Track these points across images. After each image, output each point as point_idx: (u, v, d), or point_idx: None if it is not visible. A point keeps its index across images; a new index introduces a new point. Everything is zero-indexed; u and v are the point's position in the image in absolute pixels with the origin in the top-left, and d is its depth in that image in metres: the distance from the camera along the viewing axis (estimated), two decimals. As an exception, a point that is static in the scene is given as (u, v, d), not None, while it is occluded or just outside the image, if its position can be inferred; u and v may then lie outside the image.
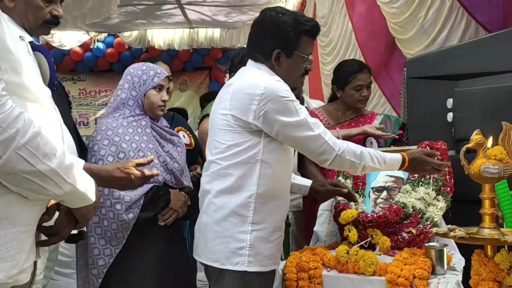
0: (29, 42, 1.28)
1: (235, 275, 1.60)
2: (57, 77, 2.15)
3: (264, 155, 1.62)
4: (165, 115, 2.13)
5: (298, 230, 2.83)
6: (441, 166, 1.73)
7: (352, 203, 2.03)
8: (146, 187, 1.87)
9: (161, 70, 2.04)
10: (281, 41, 1.65)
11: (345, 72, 2.48)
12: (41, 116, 1.10)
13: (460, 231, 1.33)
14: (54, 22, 1.51)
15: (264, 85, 1.58)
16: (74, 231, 1.36)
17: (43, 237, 1.17)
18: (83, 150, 1.91)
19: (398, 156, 1.72)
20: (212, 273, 1.66)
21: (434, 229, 1.54)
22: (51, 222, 1.16)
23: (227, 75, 2.47)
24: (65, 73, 8.07)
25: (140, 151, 1.88)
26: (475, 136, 1.32)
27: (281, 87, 1.60)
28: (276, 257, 1.71)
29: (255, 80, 1.61)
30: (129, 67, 2.07)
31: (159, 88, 2.00)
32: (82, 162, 1.28)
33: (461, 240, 1.32)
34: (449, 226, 1.43)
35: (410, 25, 2.96)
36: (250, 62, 1.73)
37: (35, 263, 1.13)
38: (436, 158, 1.75)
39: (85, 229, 1.80)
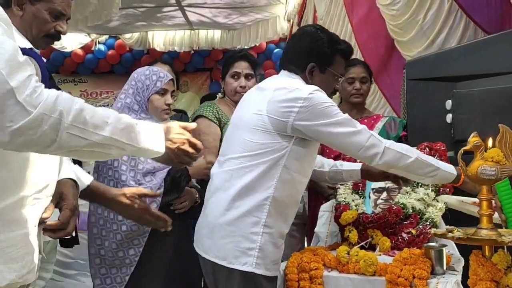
0: (22, 48, 1.31)
1: (245, 276, 1.61)
2: (54, 81, 2.18)
3: (288, 161, 1.64)
4: (173, 116, 2.18)
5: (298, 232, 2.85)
6: None
7: (352, 203, 2.05)
8: (164, 172, 1.91)
9: (164, 74, 2.05)
10: (317, 56, 1.73)
11: None
12: None
13: (458, 232, 1.35)
14: (55, 37, 1.52)
15: (309, 91, 1.63)
16: (69, 236, 1.41)
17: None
18: None
19: (452, 166, 1.67)
20: (219, 272, 1.66)
21: (433, 230, 1.56)
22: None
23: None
24: (67, 75, 8.10)
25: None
26: (473, 139, 1.34)
27: (323, 94, 1.66)
28: (280, 263, 1.74)
29: (298, 86, 1.66)
30: (134, 72, 2.09)
31: (163, 92, 2.02)
32: (90, 178, 1.36)
33: (459, 241, 1.35)
34: (448, 227, 1.45)
35: (410, 27, 2.97)
36: (283, 72, 1.79)
37: None
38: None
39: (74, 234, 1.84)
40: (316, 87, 1.67)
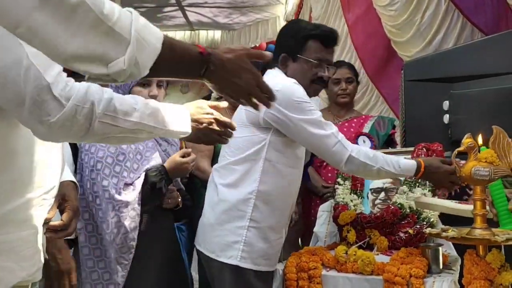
0: None
1: (235, 271, 1.66)
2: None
3: (269, 153, 1.67)
4: None
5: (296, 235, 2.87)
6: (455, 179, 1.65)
7: (351, 203, 2.07)
8: (138, 185, 1.73)
9: None
10: (286, 46, 1.75)
11: None
12: None
13: (452, 232, 1.38)
14: None
15: (281, 84, 1.64)
16: (72, 237, 1.44)
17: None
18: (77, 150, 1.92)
19: (413, 162, 1.70)
20: (212, 266, 1.71)
21: (428, 230, 1.58)
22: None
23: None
24: (68, 76, 8.12)
25: (138, 154, 1.78)
26: (466, 140, 1.36)
27: (297, 89, 1.66)
28: (273, 259, 1.75)
29: (273, 80, 1.64)
30: None
31: (145, 83, 1.76)
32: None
33: (453, 240, 1.37)
34: (442, 226, 1.47)
35: (407, 28, 3.00)
36: (268, 71, 1.81)
37: None
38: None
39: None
40: (292, 81, 1.68)
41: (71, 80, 0.99)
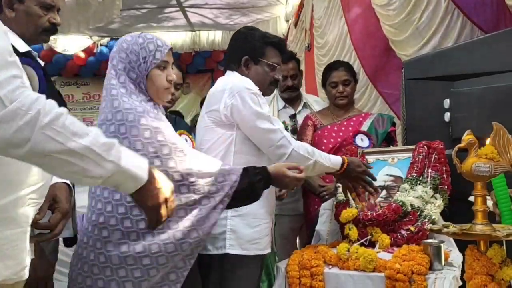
0: (22, 53, 1.33)
1: (226, 259, 1.72)
2: (54, 86, 2.18)
3: (237, 146, 1.79)
4: (167, 118, 1.71)
5: (293, 233, 2.89)
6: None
7: (352, 202, 2.08)
8: (234, 177, 1.50)
9: (162, 42, 1.59)
10: (249, 49, 1.90)
11: (324, 72, 2.72)
12: None
13: (453, 228, 1.38)
14: (52, 29, 1.56)
15: (232, 81, 1.82)
16: (70, 235, 1.43)
17: None
18: None
19: (340, 158, 1.89)
20: (204, 263, 1.74)
21: (429, 226, 1.59)
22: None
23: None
24: (69, 78, 8.16)
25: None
26: (467, 137, 1.37)
27: (248, 82, 1.82)
28: (261, 243, 1.79)
29: (226, 81, 1.86)
30: (121, 41, 1.57)
31: (164, 66, 1.57)
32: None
33: (454, 236, 1.38)
34: (443, 222, 1.48)
35: (405, 27, 2.98)
36: (226, 73, 1.95)
37: None
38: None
39: (77, 231, 1.54)
40: (242, 78, 1.84)
41: (26, 88, 0.94)
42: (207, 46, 7.40)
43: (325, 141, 2.54)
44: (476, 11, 2.68)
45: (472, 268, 1.35)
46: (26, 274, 1.12)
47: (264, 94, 1.88)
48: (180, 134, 2.43)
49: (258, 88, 1.83)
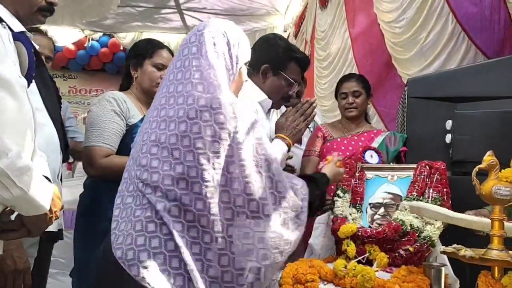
0: (16, 32, 1.26)
1: None
2: (48, 72, 2.10)
3: None
4: None
5: None
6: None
7: (350, 217, 2.03)
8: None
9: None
10: (272, 59, 1.82)
11: (337, 83, 2.73)
12: (9, 107, 1.05)
13: (466, 251, 1.34)
14: (49, 9, 1.47)
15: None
16: (53, 229, 1.36)
17: None
18: (66, 148, 1.89)
19: None
20: None
21: (442, 247, 1.54)
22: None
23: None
24: (56, 70, 7.99)
25: None
26: (488, 157, 1.33)
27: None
28: None
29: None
30: (201, 28, 1.33)
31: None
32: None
33: (470, 260, 1.33)
34: (455, 245, 1.44)
35: (410, 46, 3.00)
36: None
37: None
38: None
39: (63, 226, 1.70)
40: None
41: None
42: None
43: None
44: (482, 36, 2.70)
45: (484, 295, 1.30)
46: None
47: (273, 107, 1.83)
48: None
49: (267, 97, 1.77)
